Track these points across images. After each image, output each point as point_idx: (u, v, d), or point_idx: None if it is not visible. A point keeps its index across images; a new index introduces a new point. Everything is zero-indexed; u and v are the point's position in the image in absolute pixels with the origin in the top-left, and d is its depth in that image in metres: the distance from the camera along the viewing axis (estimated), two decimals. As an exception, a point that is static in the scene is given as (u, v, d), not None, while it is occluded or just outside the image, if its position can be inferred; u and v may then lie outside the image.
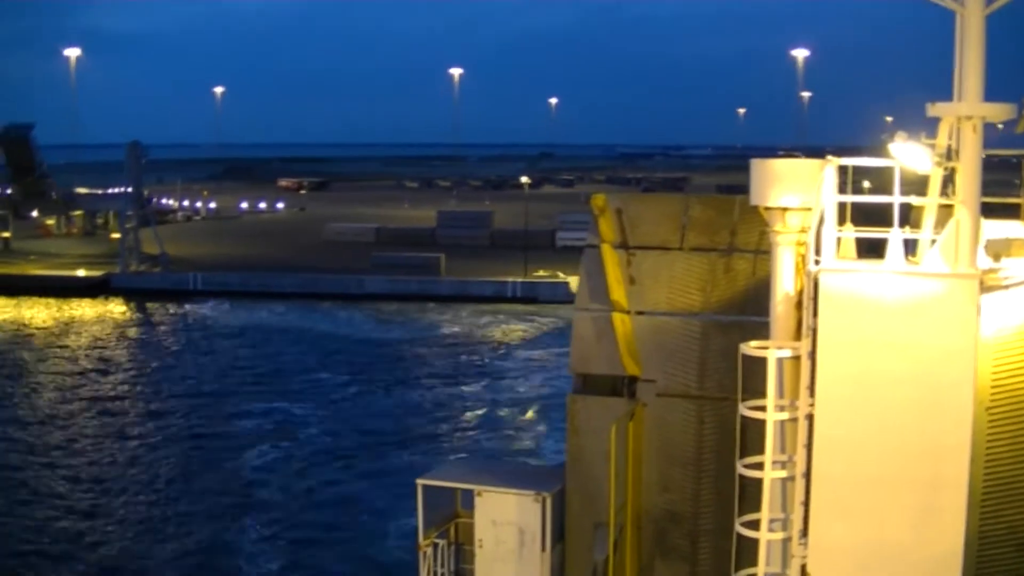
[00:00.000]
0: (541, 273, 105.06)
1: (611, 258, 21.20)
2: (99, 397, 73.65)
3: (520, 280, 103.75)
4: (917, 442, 14.56)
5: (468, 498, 21.91)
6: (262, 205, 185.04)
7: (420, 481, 22.30)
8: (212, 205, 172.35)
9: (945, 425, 14.47)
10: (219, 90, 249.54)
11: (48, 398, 73.37)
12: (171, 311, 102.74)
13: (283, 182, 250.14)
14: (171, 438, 64.82)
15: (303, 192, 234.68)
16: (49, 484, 56.73)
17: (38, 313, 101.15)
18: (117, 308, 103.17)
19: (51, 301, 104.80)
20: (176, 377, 79.67)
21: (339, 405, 72.06)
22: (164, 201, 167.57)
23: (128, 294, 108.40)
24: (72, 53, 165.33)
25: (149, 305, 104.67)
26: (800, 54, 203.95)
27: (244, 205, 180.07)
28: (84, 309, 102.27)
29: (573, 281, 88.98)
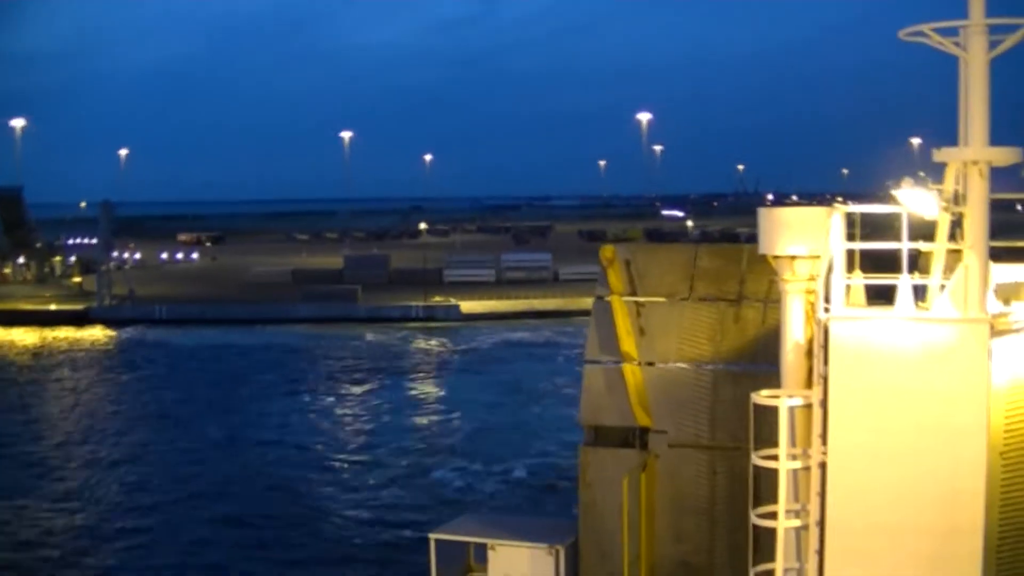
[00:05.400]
0: (438, 299, 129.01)
1: (620, 309, 21.18)
2: (118, 362, 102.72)
3: (421, 304, 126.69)
4: (931, 489, 14.46)
5: (481, 552, 21.78)
6: (179, 256, 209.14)
7: (433, 535, 22.16)
8: (137, 256, 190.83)
9: (959, 471, 14.38)
10: (123, 152, 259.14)
11: (90, 365, 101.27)
12: (147, 333, 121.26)
13: (183, 236, 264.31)
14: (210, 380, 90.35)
15: (208, 244, 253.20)
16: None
17: (47, 336, 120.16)
18: (103, 332, 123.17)
19: (46, 329, 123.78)
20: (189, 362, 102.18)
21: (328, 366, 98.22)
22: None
23: (106, 323, 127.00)
24: (17, 123, 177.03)
25: (128, 329, 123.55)
26: (644, 116, 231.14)
27: (164, 256, 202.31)
28: (79, 333, 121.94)
29: (463, 305, 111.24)
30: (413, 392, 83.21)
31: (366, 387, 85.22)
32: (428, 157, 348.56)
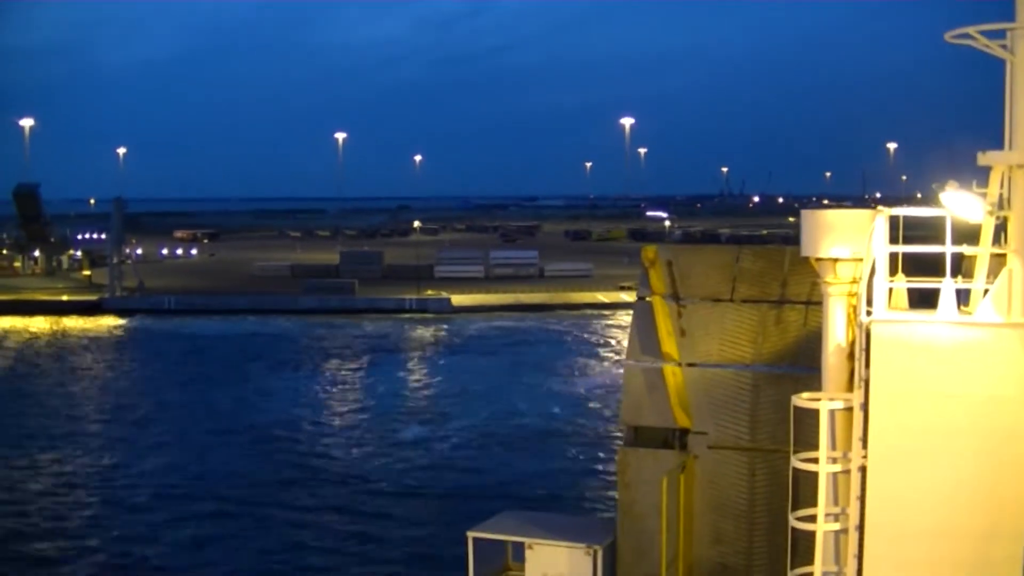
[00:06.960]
0: (430, 292, 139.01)
1: (662, 310, 21.15)
2: (133, 342, 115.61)
3: (415, 297, 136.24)
4: (972, 493, 14.39)
5: (519, 551, 21.81)
6: (179, 251, 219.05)
7: (471, 533, 22.21)
8: (139, 251, 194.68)
9: (1001, 475, 14.30)
10: (121, 151, 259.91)
11: (114, 348, 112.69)
12: (159, 321, 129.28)
13: (179, 233, 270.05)
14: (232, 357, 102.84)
15: (205, 241, 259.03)
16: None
17: (65, 323, 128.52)
18: (117, 320, 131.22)
19: (62, 317, 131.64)
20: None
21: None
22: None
23: (118, 312, 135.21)
24: (26, 123, 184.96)
25: (140, 318, 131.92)
26: (627, 121, 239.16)
27: (164, 251, 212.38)
28: (95, 321, 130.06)
29: (454, 298, 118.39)
30: (417, 365, 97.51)
31: (378, 360, 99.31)
32: (418, 157, 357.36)
